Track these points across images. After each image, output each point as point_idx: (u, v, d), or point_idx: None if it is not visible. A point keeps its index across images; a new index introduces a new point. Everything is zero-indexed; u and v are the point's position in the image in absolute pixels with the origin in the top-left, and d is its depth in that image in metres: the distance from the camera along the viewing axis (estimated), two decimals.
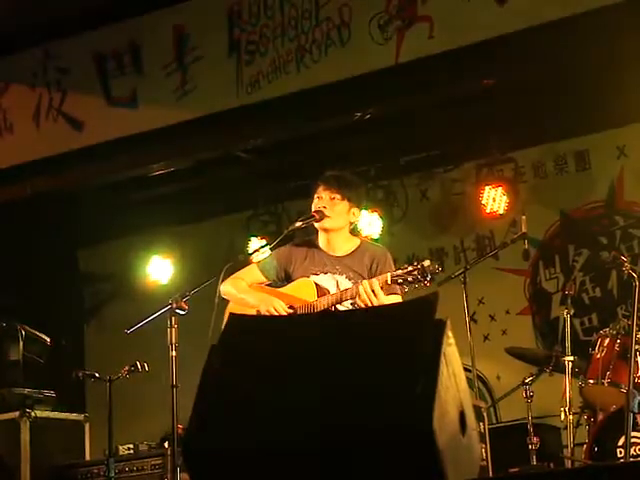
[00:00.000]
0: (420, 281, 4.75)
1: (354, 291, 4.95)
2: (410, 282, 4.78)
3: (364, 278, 5.04)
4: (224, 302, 5.21)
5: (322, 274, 5.15)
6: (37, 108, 8.11)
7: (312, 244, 5.27)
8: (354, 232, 5.41)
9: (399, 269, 4.85)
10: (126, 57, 7.78)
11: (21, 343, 7.19)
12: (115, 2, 7.61)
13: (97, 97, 7.87)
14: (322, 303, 5.02)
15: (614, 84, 7.14)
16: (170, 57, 7.61)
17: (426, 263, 4.76)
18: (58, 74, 8.05)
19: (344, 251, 5.21)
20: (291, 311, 5.08)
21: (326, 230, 5.21)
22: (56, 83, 8.06)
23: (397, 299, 4.97)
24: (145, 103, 7.69)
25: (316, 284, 5.11)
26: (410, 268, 4.78)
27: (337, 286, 5.11)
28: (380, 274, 4.98)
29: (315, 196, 5.22)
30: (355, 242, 5.27)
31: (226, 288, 5.21)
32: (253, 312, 5.09)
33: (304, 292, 5.11)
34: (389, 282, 4.82)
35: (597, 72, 7.06)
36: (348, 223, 5.24)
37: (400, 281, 4.80)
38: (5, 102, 8.27)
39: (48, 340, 7.43)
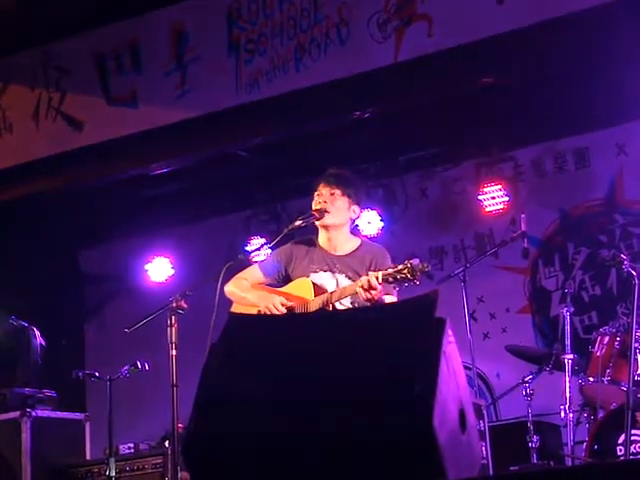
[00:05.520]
0: (410, 280, 4.76)
1: (351, 288, 4.95)
2: (399, 281, 4.80)
3: None
4: (226, 302, 5.22)
5: (322, 272, 5.16)
6: (36, 108, 8.10)
7: (313, 242, 5.28)
8: (354, 231, 5.41)
9: (390, 268, 4.86)
10: (125, 56, 7.77)
11: (37, 343, 7.19)
12: (114, 1, 7.61)
13: (97, 96, 7.86)
14: (318, 302, 5.03)
15: (613, 82, 7.14)
16: (169, 56, 7.60)
17: (415, 262, 4.78)
18: (57, 74, 8.04)
19: (345, 250, 5.22)
20: (290, 307, 5.09)
21: (327, 227, 5.21)
22: (55, 83, 8.05)
23: (392, 300, 4.99)
24: (145, 102, 7.68)
25: (313, 283, 5.12)
26: (400, 267, 4.80)
27: (337, 285, 5.11)
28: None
29: (315, 194, 5.24)
30: (356, 242, 5.27)
31: (229, 288, 5.25)
32: (254, 311, 5.10)
33: (302, 291, 5.12)
34: (380, 280, 4.82)
35: (596, 70, 7.05)
36: (349, 220, 5.25)
37: (390, 280, 4.81)
38: (4, 102, 8.26)
39: (43, 342, 7.43)
